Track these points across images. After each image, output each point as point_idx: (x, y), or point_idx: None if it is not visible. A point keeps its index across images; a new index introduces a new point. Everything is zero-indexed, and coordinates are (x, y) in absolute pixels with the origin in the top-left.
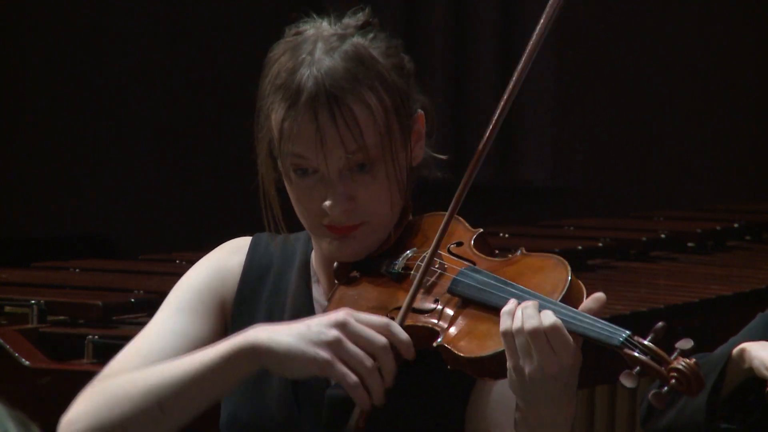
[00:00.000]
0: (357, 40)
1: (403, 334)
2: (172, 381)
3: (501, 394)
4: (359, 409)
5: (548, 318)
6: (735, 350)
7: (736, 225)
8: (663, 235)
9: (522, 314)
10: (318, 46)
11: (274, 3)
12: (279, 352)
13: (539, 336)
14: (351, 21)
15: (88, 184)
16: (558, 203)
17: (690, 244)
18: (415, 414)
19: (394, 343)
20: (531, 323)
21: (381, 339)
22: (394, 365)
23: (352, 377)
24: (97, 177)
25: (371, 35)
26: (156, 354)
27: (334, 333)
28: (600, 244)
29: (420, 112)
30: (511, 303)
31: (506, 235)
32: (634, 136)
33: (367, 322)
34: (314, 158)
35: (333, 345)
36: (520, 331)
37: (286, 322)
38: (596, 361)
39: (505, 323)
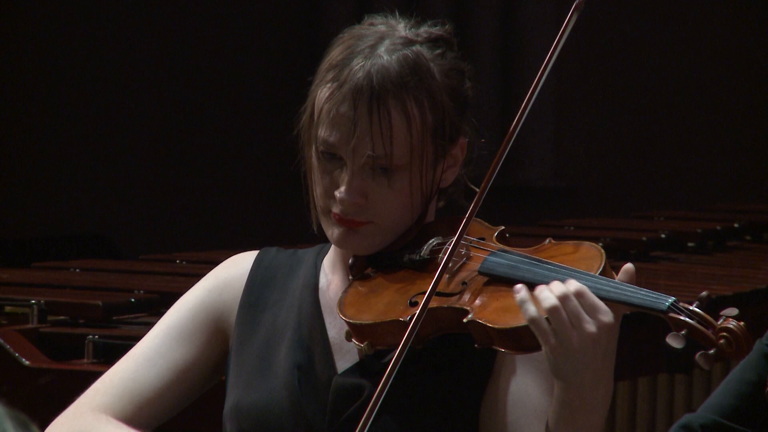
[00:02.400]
0: (422, 50)
1: None
2: None
3: (518, 394)
4: None
5: (573, 284)
6: None
7: (736, 225)
8: (663, 235)
9: (549, 292)
10: (382, 43)
11: (275, 3)
12: None
13: (570, 300)
14: (426, 31)
15: (88, 184)
16: (558, 203)
17: (690, 244)
18: (428, 408)
19: None
20: (560, 291)
21: None
22: None
23: None
24: (97, 177)
25: (440, 50)
26: (139, 379)
27: None
28: (600, 244)
29: (463, 139)
30: (522, 290)
31: (506, 236)
32: (634, 136)
33: None
34: (342, 147)
35: None
36: (554, 307)
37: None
38: None
39: (529, 311)
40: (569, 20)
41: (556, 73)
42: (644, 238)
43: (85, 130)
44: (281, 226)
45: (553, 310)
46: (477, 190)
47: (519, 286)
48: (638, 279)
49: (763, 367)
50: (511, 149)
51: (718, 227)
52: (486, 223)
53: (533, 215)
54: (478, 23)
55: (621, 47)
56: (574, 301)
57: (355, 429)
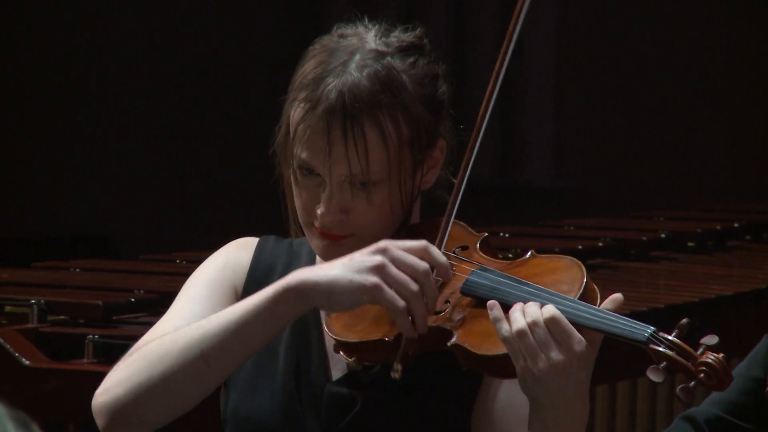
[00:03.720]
0: (393, 62)
1: (441, 257)
2: (216, 331)
3: (509, 401)
4: (406, 338)
5: (548, 310)
6: None
7: (736, 225)
8: (663, 235)
9: (523, 313)
10: (353, 59)
11: (275, 4)
12: (326, 285)
13: (539, 327)
14: (396, 39)
15: (88, 184)
16: (558, 203)
17: (690, 244)
18: (420, 420)
19: (433, 266)
20: (531, 316)
21: (423, 264)
22: (437, 290)
23: (401, 302)
24: (97, 177)
25: (411, 59)
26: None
27: (378, 258)
28: (600, 244)
29: (441, 141)
30: (496, 308)
31: (506, 235)
32: (634, 136)
33: (406, 247)
34: (319, 166)
35: (379, 270)
36: (523, 332)
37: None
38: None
39: (501, 330)
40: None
41: (556, 72)
42: (644, 238)
43: (85, 130)
44: (281, 226)
45: (520, 334)
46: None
47: (491, 302)
48: (638, 279)
49: None
50: (511, 149)
51: (718, 227)
52: (469, 228)
53: (533, 215)
54: (477, 22)
55: (621, 47)
56: (543, 328)
57: None
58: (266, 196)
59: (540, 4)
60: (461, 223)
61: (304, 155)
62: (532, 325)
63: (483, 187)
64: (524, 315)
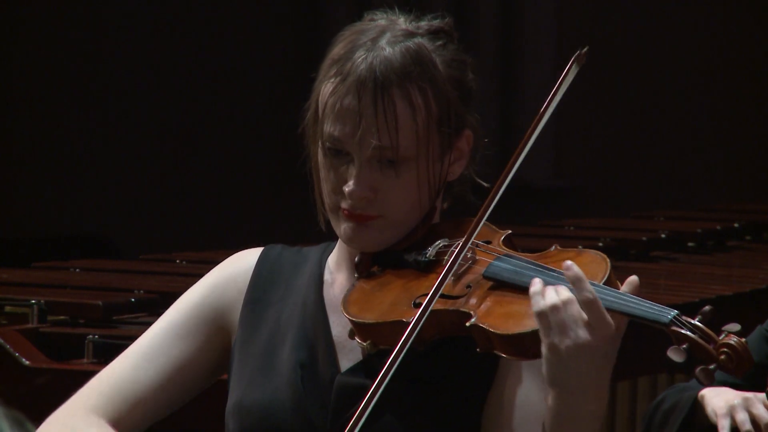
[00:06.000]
0: (423, 41)
1: None
2: None
3: (523, 398)
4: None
5: (585, 293)
6: (699, 394)
7: (736, 225)
8: (663, 235)
9: (556, 291)
10: (384, 35)
11: (276, 5)
12: None
13: (573, 305)
14: (426, 24)
15: (88, 184)
16: (559, 203)
17: (690, 244)
18: (431, 410)
19: None
20: (565, 295)
21: None
22: None
23: None
24: (97, 177)
25: (441, 42)
26: (135, 378)
27: None
28: (600, 244)
29: (468, 132)
30: (538, 283)
31: None
32: (634, 136)
33: None
34: (348, 141)
35: None
36: (556, 307)
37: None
38: None
39: (537, 303)
40: (568, 71)
41: (557, 72)
42: (644, 238)
43: (85, 130)
44: (281, 226)
45: (554, 308)
46: (486, 185)
47: (537, 279)
48: (638, 278)
49: (764, 350)
50: (511, 149)
51: (718, 227)
52: (493, 226)
53: (533, 215)
54: (478, 20)
55: (621, 47)
56: (576, 307)
57: (356, 428)
58: (266, 197)
59: (540, 4)
60: (486, 222)
61: (333, 129)
62: (567, 302)
63: (483, 187)
64: (558, 293)
